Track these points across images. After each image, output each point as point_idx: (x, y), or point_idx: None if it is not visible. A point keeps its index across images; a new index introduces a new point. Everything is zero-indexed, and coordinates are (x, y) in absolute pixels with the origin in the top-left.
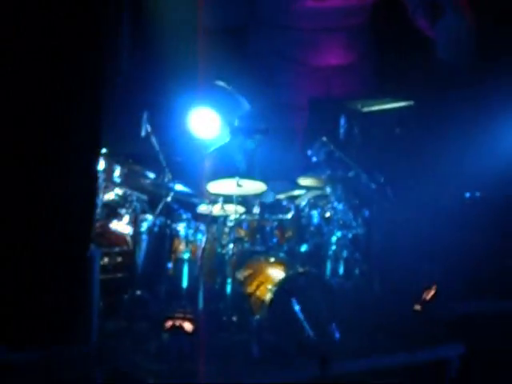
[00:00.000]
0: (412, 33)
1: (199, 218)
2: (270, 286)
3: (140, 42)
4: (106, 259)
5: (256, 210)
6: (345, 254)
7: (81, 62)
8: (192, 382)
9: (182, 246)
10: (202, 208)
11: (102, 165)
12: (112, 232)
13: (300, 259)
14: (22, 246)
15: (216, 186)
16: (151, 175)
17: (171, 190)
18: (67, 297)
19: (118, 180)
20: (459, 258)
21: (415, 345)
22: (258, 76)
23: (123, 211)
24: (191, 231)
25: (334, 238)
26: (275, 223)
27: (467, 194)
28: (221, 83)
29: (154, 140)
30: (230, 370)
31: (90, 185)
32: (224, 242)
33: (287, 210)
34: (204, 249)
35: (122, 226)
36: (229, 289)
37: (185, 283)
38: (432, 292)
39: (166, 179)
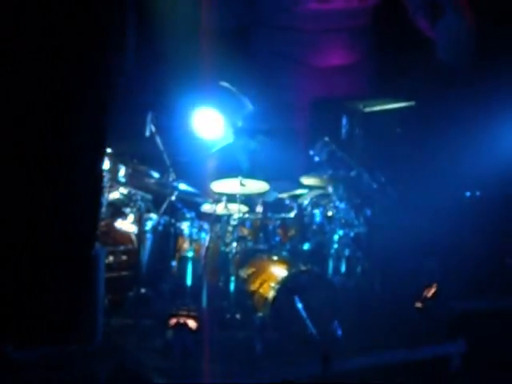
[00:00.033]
0: (412, 33)
1: (203, 216)
2: (272, 284)
3: (144, 42)
4: (110, 257)
5: (259, 209)
6: (347, 252)
7: (84, 62)
8: (196, 379)
9: (186, 245)
10: (206, 207)
11: (106, 164)
12: (117, 231)
13: (302, 257)
14: (27, 244)
15: (219, 186)
16: (155, 175)
17: (175, 189)
18: (72, 295)
19: (122, 179)
20: (460, 256)
21: (416, 342)
22: (260, 76)
23: (128, 210)
24: (195, 230)
25: (336, 237)
26: (278, 222)
27: (467, 194)
28: (224, 84)
29: (158, 140)
30: (234, 366)
31: (95, 184)
32: (227, 240)
33: (290, 209)
34: (208, 247)
35: (126, 224)
36: (232, 287)
37: (189, 281)
38: (433, 290)
39: (170, 179)
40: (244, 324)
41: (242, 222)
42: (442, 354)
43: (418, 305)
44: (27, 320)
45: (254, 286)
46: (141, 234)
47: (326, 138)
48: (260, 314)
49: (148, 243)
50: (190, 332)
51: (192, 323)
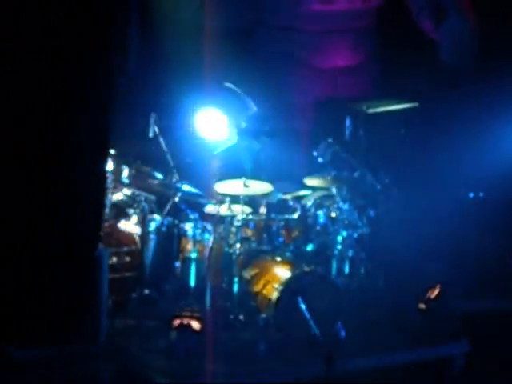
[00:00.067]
0: (416, 35)
1: (206, 217)
2: (276, 285)
3: (148, 42)
4: (114, 259)
5: (263, 209)
6: (350, 253)
7: (85, 62)
8: (199, 380)
9: (189, 246)
10: (210, 208)
11: (110, 165)
12: (120, 232)
13: (306, 258)
14: (29, 245)
15: (223, 187)
16: (159, 176)
17: (179, 190)
18: (76, 296)
19: (126, 180)
20: (463, 257)
21: (420, 343)
22: (264, 77)
23: (131, 211)
24: (199, 231)
25: (339, 238)
26: (282, 223)
27: (471, 195)
28: (229, 85)
29: (161, 141)
30: (237, 367)
31: (98, 185)
32: (231, 241)
33: (293, 210)
34: (211, 248)
35: (130, 225)
36: (236, 288)
37: (192, 282)
38: (436, 291)
39: (174, 180)
40: (247, 325)
41: (245, 222)
42: (445, 354)
43: (422, 306)
44: (30, 320)
45: (257, 287)
46: (144, 234)
47: (330, 139)
48: (263, 315)
49: (151, 244)
50: (193, 333)
51: (195, 324)
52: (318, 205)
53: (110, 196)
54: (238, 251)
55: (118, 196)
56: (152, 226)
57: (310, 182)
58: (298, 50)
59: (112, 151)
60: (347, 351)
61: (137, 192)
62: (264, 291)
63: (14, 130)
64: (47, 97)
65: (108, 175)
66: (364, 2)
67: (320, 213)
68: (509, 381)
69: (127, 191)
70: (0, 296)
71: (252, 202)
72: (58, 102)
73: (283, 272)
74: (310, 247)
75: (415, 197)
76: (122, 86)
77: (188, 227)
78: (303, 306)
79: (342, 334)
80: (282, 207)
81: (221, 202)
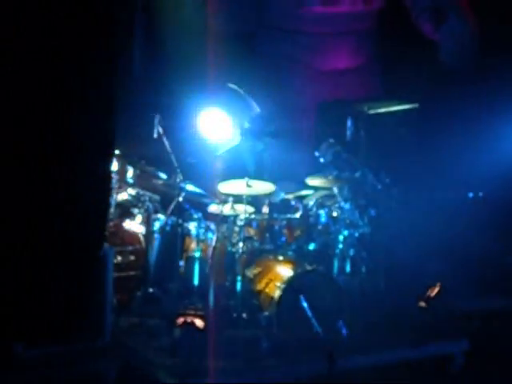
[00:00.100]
0: (416, 36)
1: (210, 217)
2: (278, 284)
3: (152, 44)
4: (119, 257)
5: (265, 209)
6: (351, 252)
7: (87, 62)
8: (203, 377)
9: (193, 245)
10: (213, 208)
11: (115, 166)
12: (125, 231)
13: (308, 257)
14: (34, 244)
15: (226, 187)
16: (163, 176)
17: (183, 190)
18: (81, 295)
19: (130, 181)
20: (463, 256)
21: (420, 341)
22: (267, 79)
23: (136, 211)
24: (202, 230)
25: (340, 237)
26: (284, 222)
27: (470, 194)
28: (232, 86)
29: (165, 142)
30: (240, 365)
31: (103, 185)
32: (234, 240)
33: (295, 210)
34: (215, 247)
35: (134, 225)
36: (239, 286)
37: (196, 281)
38: (436, 289)
39: (178, 180)
40: (250, 323)
41: (248, 222)
42: (445, 352)
43: (422, 304)
44: (36, 319)
45: (260, 286)
46: (149, 234)
47: (331, 140)
48: (266, 313)
49: (156, 243)
50: (197, 331)
51: (199, 322)
52: (320, 204)
53: (114, 196)
54: (240, 250)
55: (122, 196)
56: (156, 226)
57: (312, 181)
58: (300, 51)
59: (117, 152)
60: (348, 349)
61: (141, 192)
62: (266, 290)
63: (14, 129)
64: (47, 97)
65: (113, 175)
66: (365, 4)
67: (322, 212)
68: (508, 379)
69: (132, 191)
70: (3, 295)
71: (255, 201)
72: (58, 102)
73: (285, 271)
74: (311, 246)
75: (415, 196)
76: (127, 86)
77: (192, 227)
78: (305, 305)
79: (344, 331)
80: (284, 207)
81: (224, 202)
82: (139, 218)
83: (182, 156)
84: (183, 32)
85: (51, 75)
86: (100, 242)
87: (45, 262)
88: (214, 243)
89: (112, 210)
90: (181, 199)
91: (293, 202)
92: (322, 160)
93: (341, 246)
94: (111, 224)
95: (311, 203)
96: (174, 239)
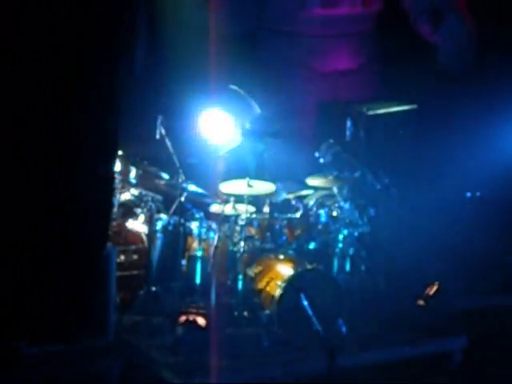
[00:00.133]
0: (415, 38)
1: (211, 217)
2: (279, 282)
3: (154, 45)
4: (122, 257)
5: (266, 209)
6: (351, 251)
7: (87, 62)
8: (204, 374)
9: (195, 244)
10: (215, 207)
11: (118, 166)
12: (128, 231)
13: (308, 256)
14: (40, 244)
15: (228, 187)
16: (165, 176)
17: (185, 190)
18: (85, 293)
19: (133, 181)
20: (461, 254)
21: (419, 339)
22: (267, 80)
23: (139, 211)
24: (204, 230)
25: (340, 236)
26: (284, 222)
27: (468, 194)
28: (234, 87)
29: (168, 142)
30: (241, 362)
31: (106, 185)
32: (235, 240)
33: (296, 210)
34: (216, 247)
35: (137, 224)
36: (240, 285)
37: (198, 280)
38: (434, 288)
39: (180, 180)
40: (251, 321)
41: (249, 221)
42: (444, 349)
43: (421, 302)
44: (39, 318)
45: (261, 285)
46: (151, 233)
47: (331, 140)
48: (267, 312)
49: (158, 243)
50: (199, 329)
51: (201, 320)
52: (320, 204)
53: (117, 196)
54: (242, 249)
55: (125, 196)
56: (159, 225)
57: (312, 181)
58: (300, 53)
59: (120, 152)
60: (348, 346)
61: (144, 192)
62: (267, 288)
63: (14, 129)
64: (47, 97)
65: (116, 176)
66: (365, 6)
67: (322, 212)
68: (507, 376)
69: (135, 191)
70: (6, 295)
71: (256, 201)
72: (58, 102)
73: (286, 269)
74: (312, 245)
75: (414, 196)
76: (129, 86)
77: (194, 226)
78: (305, 303)
79: (343, 329)
80: (284, 206)
81: (225, 202)
82: (142, 217)
83: (184, 157)
84: (184, 33)
85: (51, 75)
86: (103, 241)
87: (47, 262)
88: (215, 242)
89: (115, 209)
90: (183, 199)
91: (293, 202)
92: (321, 160)
93: (340, 245)
94: (114, 224)
95: (311, 203)
96: (176, 238)
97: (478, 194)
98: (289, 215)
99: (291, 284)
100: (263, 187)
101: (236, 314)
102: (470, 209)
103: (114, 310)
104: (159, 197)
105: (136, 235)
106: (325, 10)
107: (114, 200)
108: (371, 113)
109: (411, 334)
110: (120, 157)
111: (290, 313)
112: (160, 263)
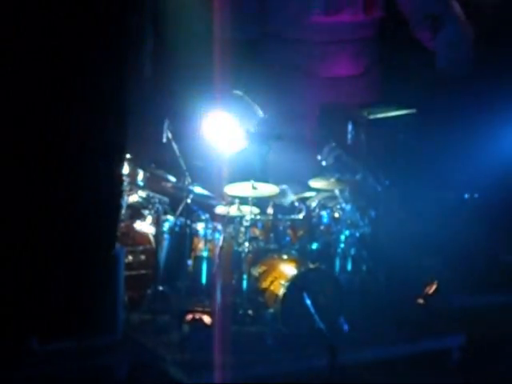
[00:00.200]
0: (415, 44)
1: (217, 218)
2: (283, 282)
3: (160, 49)
4: (130, 257)
5: (270, 210)
6: (352, 251)
7: (88, 63)
8: (210, 371)
9: (201, 245)
10: (220, 209)
11: (126, 169)
12: (136, 232)
13: (311, 256)
14: (52, 243)
15: (233, 189)
16: (172, 179)
17: (191, 192)
18: (94, 292)
19: (141, 183)
20: (459, 254)
21: (419, 336)
22: (270, 86)
23: (146, 212)
24: (209, 231)
25: (342, 237)
26: (288, 223)
27: (466, 196)
28: (238, 92)
29: (174, 146)
30: (246, 359)
31: (115, 188)
32: (240, 240)
33: (299, 211)
34: (221, 247)
35: (145, 226)
36: (245, 284)
37: (204, 279)
38: (433, 286)
39: (186, 182)
40: (256, 319)
41: (253, 223)
42: (442, 347)
43: (420, 301)
44: (51, 315)
45: (265, 284)
46: (158, 234)
47: (333, 144)
48: (271, 310)
49: (165, 243)
50: (204, 327)
51: (207, 319)
52: (322, 206)
53: (126, 198)
54: (246, 250)
55: (133, 198)
56: (166, 227)
57: (315, 184)
58: (302, 59)
59: (128, 155)
60: (349, 344)
61: (151, 194)
62: (271, 287)
63: (13, 129)
64: (47, 97)
65: (124, 178)
66: (366, 13)
67: (324, 213)
68: (504, 374)
69: (142, 193)
70: (19, 292)
71: (260, 203)
72: (58, 102)
73: (289, 269)
74: (314, 246)
75: (414, 197)
76: (136, 88)
77: (199, 227)
78: (308, 302)
79: (345, 327)
80: (288, 208)
81: (230, 204)
82: (149, 219)
83: (190, 159)
84: (189, 38)
85: (51, 75)
86: (112, 242)
87: (58, 261)
88: (220, 243)
89: (123, 211)
90: (189, 201)
91: (296, 204)
92: (324, 163)
93: (342, 245)
94: (122, 225)
95: (314, 204)
96: (183, 239)
97: (475, 195)
98: (292, 216)
99: (294, 283)
100: (267, 189)
101: (241, 312)
102: (467, 210)
103: (122, 309)
104: (166, 199)
105: (143, 236)
106: (328, 17)
107: (122, 202)
108: (372, 117)
109: (411, 332)
110: (128, 160)
111: (294, 311)
112: (167, 263)
